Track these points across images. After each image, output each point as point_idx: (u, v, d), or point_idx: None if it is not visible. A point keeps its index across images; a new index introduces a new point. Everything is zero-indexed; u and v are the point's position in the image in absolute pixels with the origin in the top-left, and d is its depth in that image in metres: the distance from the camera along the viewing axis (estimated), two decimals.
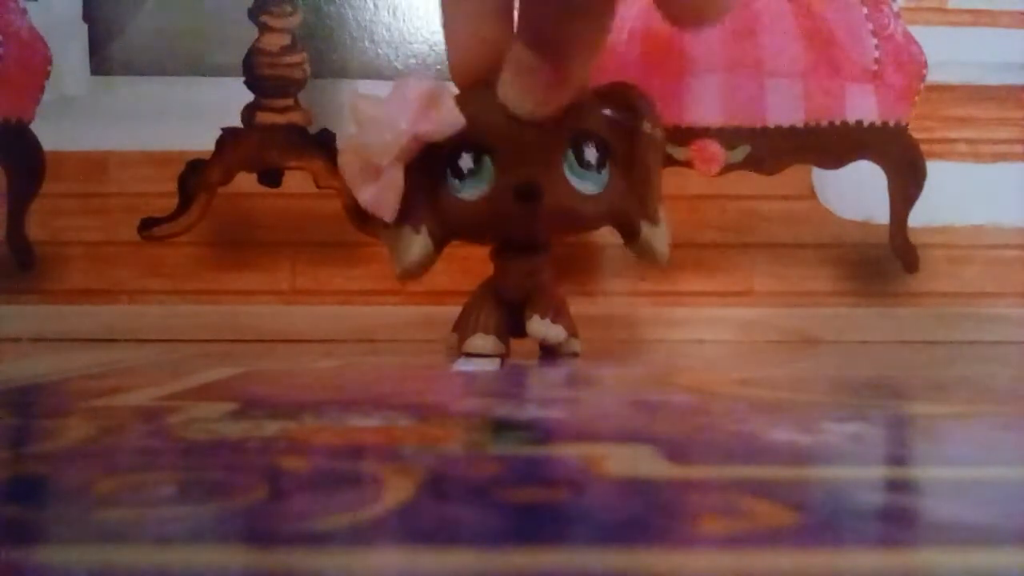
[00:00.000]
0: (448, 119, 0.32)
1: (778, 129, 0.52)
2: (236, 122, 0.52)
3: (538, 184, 0.32)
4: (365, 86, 0.56)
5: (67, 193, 0.56)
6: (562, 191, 0.33)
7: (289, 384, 0.29)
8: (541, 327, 0.36)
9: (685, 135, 0.51)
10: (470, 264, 0.42)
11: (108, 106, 0.57)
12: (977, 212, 0.58)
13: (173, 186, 0.52)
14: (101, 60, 0.57)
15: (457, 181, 0.34)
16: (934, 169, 0.53)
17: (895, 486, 0.15)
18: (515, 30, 0.29)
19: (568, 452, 0.17)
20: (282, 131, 0.52)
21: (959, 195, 0.57)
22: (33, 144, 0.55)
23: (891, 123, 0.52)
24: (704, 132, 0.51)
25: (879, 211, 0.55)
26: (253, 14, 0.51)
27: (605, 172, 0.34)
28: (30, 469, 0.15)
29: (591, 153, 0.33)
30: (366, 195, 0.34)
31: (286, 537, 0.11)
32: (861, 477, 0.15)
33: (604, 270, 0.56)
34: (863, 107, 0.52)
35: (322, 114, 0.53)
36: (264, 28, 0.51)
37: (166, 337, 0.52)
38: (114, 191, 0.57)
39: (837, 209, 0.57)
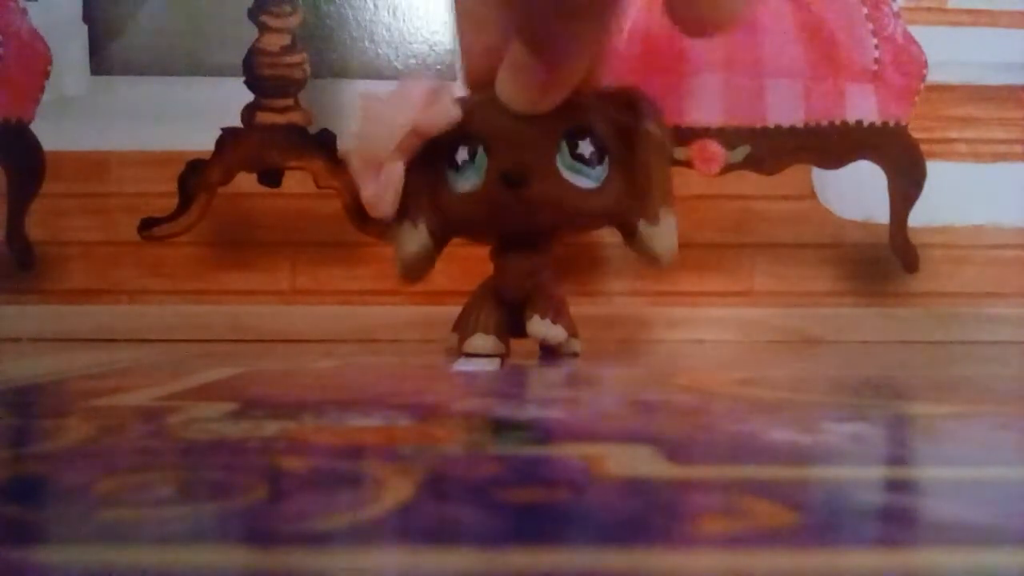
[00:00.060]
0: (444, 112, 0.33)
1: (778, 129, 0.52)
2: (236, 122, 0.52)
3: (525, 170, 0.33)
4: (365, 86, 0.56)
5: (67, 193, 0.56)
6: (552, 181, 0.33)
7: (289, 384, 0.29)
8: (541, 327, 0.36)
9: (685, 135, 0.51)
10: (470, 264, 0.42)
11: (108, 106, 0.57)
12: (977, 212, 0.58)
13: (173, 186, 0.52)
14: (101, 60, 0.57)
15: (454, 172, 0.34)
16: (934, 169, 0.52)
17: (895, 486, 0.15)
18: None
19: (568, 452, 0.17)
20: (282, 131, 0.52)
21: (959, 195, 0.57)
22: (33, 144, 0.55)
23: (891, 123, 0.52)
24: (704, 132, 0.51)
25: (879, 211, 0.55)
26: (253, 14, 0.51)
27: (601, 168, 0.34)
28: (30, 469, 0.15)
29: (585, 147, 0.33)
30: (368, 190, 0.34)
31: (286, 537, 0.11)
32: (861, 477, 0.15)
33: (604, 270, 0.56)
34: (863, 107, 0.52)
35: (322, 114, 0.53)
36: (264, 28, 0.51)
37: (166, 337, 0.52)
38: (114, 191, 0.57)
39: (837, 209, 0.57)
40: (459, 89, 0.35)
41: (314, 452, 0.16)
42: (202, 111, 0.55)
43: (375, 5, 0.57)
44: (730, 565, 0.10)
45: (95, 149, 0.57)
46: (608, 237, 0.37)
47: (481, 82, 0.33)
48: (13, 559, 0.10)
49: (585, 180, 0.34)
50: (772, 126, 0.52)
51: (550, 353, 0.38)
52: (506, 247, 0.37)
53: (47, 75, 0.55)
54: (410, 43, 0.58)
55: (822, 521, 0.12)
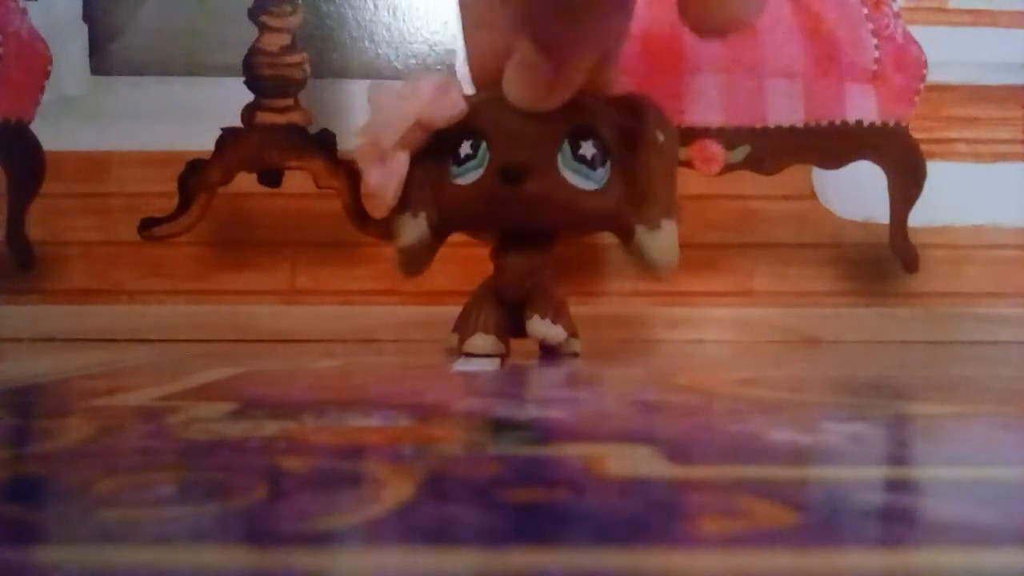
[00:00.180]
0: (450, 104, 0.33)
1: (778, 129, 0.52)
2: (236, 122, 0.52)
3: (523, 166, 0.33)
4: (365, 86, 0.56)
5: (67, 193, 0.56)
6: (550, 179, 0.33)
7: (289, 384, 0.29)
8: (541, 327, 0.36)
9: (685, 135, 0.51)
10: (470, 264, 0.42)
11: (108, 106, 0.57)
12: (977, 212, 0.58)
13: (173, 186, 0.52)
14: (101, 60, 0.57)
15: (456, 167, 0.34)
16: (934, 169, 0.53)
17: (895, 486, 0.15)
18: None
19: (568, 452, 0.17)
20: (282, 131, 0.52)
21: (959, 195, 0.57)
22: (33, 144, 0.55)
23: (891, 123, 0.52)
24: (704, 132, 0.51)
25: (879, 211, 0.55)
26: (253, 14, 0.51)
27: (603, 171, 0.34)
28: (30, 469, 0.15)
29: (587, 148, 0.33)
30: (372, 179, 0.35)
31: (286, 537, 0.11)
32: (861, 477, 0.15)
33: (604, 270, 0.57)
34: (863, 107, 0.52)
35: (322, 114, 0.53)
36: (264, 28, 0.51)
37: (166, 337, 0.52)
38: (114, 191, 0.57)
39: (837, 209, 0.57)
40: (465, 86, 0.35)
41: (314, 452, 0.16)
42: (202, 111, 0.55)
43: (375, 5, 0.57)
44: (730, 565, 0.10)
45: (95, 149, 0.57)
46: (608, 237, 0.36)
47: (485, 81, 0.33)
48: (13, 559, 0.10)
49: (586, 181, 0.34)
50: (772, 126, 0.52)
51: (550, 353, 0.38)
52: (506, 247, 0.37)
53: (47, 75, 0.55)
54: (410, 43, 0.58)
55: (822, 521, 0.12)
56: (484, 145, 0.34)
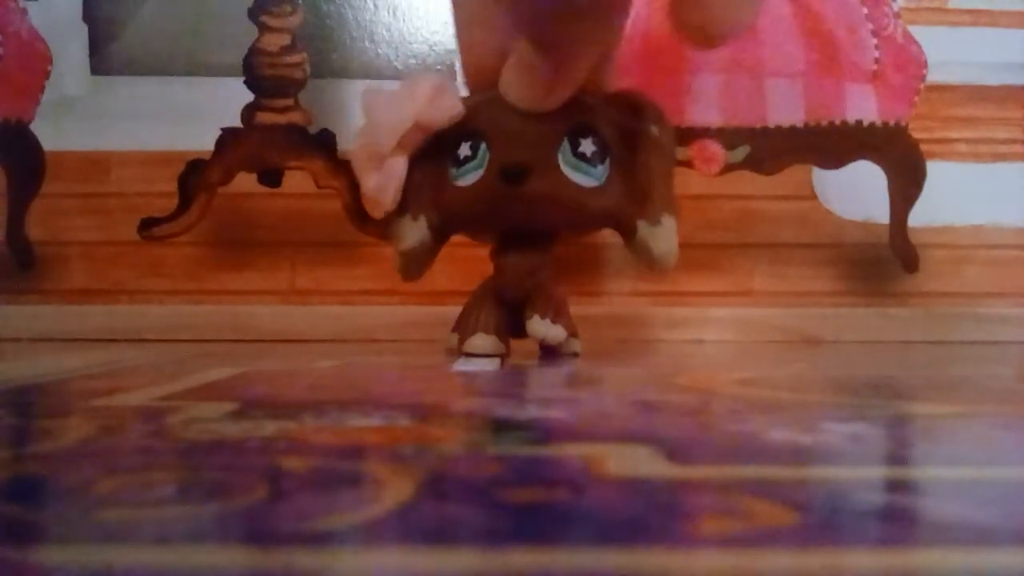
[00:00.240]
0: (448, 106, 0.33)
1: (778, 129, 0.52)
2: (236, 122, 0.52)
3: (525, 165, 0.33)
4: (365, 86, 0.56)
5: (67, 193, 0.56)
6: (552, 177, 0.33)
7: (289, 384, 0.29)
8: (541, 327, 0.36)
9: (685, 135, 0.51)
10: (470, 264, 0.42)
11: (108, 106, 0.57)
12: (977, 212, 0.58)
13: (173, 186, 0.52)
14: (101, 60, 0.57)
15: (456, 169, 0.34)
16: (934, 169, 0.53)
17: (895, 486, 0.15)
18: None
19: (568, 452, 0.17)
20: (282, 131, 0.52)
21: (959, 195, 0.57)
22: (33, 144, 0.55)
23: (891, 123, 0.52)
24: (704, 132, 0.51)
25: (879, 211, 0.55)
26: (253, 14, 0.51)
27: (603, 168, 0.34)
28: (30, 469, 0.15)
29: (587, 145, 0.33)
30: (370, 183, 0.34)
31: (286, 537, 0.11)
32: (861, 477, 0.15)
33: (605, 270, 0.56)
34: (863, 107, 0.52)
35: (322, 114, 0.53)
36: (264, 28, 0.51)
37: (166, 337, 0.52)
38: (114, 191, 0.57)
39: (837, 209, 0.57)
40: (462, 87, 0.35)
41: (314, 452, 0.16)
42: (202, 111, 0.55)
43: (375, 5, 0.57)
44: (730, 565, 0.10)
45: (95, 149, 0.57)
46: (608, 237, 0.36)
47: (481, 81, 0.33)
48: (13, 559, 0.10)
49: (586, 179, 0.34)
50: (772, 126, 0.52)
51: (550, 353, 0.38)
52: (506, 247, 0.37)
53: (47, 75, 0.55)
54: (410, 43, 0.58)
55: (822, 521, 0.12)
56: (484, 146, 0.34)
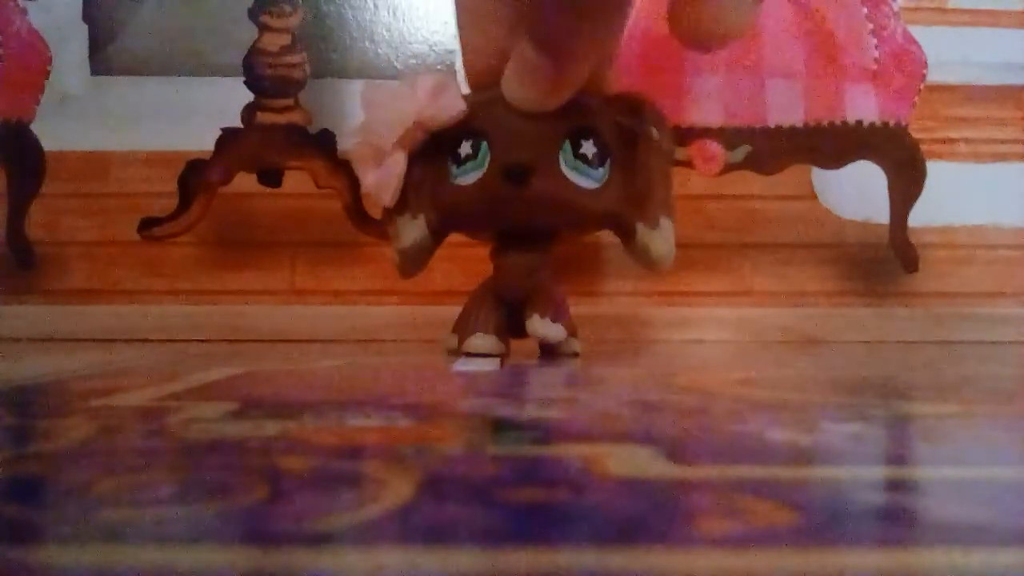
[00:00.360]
0: (450, 105, 0.33)
1: (778, 129, 0.52)
2: (236, 122, 0.52)
3: (527, 166, 0.33)
4: (366, 84, 0.56)
5: (67, 193, 0.56)
6: (553, 178, 0.33)
7: (289, 384, 0.29)
8: (541, 326, 0.36)
9: (685, 135, 0.51)
10: (470, 264, 0.42)
11: (108, 106, 0.57)
12: (977, 212, 0.58)
13: (173, 186, 0.52)
14: (101, 60, 0.57)
15: (456, 168, 0.34)
16: (934, 169, 0.53)
17: (895, 486, 0.15)
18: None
19: (568, 452, 0.17)
20: (282, 131, 0.52)
21: (959, 195, 0.57)
22: (33, 144, 0.55)
23: (891, 123, 0.52)
24: (704, 132, 0.51)
25: (879, 211, 0.55)
26: (253, 14, 0.51)
27: (603, 170, 0.34)
28: (30, 469, 0.15)
29: (588, 147, 0.33)
30: (370, 180, 0.34)
31: (286, 537, 0.11)
32: (861, 477, 0.15)
33: (605, 270, 0.57)
34: (863, 107, 0.52)
35: (322, 114, 0.53)
36: (264, 28, 0.51)
37: (166, 337, 0.52)
38: (114, 191, 0.57)
39: (837, 209, 0.57)
40: (463, 86, 0.35)
41: (314, 452, 0.16)
42: (202, 111, 0.55)
43: (375, 5, 0.57)
44: (730, 565, 0.10)
45: (95, 149, 0.57)
46: (608, 237, 0.36)
47: (482, 81, 0.33)
48: (13, 559, 0.10)
49: (586, 180, 0.34)
50: (772, 126, 0.52)
51: (550, 353, 0.38)
52: (506, 246, 0.37)
53: (47, 75, 0.55)
54: (410, 43, 0.58)
55: (822, 521, 0.12)
56: (484, 145, 0.34)
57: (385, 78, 0.56)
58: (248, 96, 0.51)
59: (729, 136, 0.52)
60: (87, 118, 0.57)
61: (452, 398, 0.25)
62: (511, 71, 0.30)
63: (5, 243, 0.55)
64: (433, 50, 0.57)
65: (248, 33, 0.51)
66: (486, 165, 0.34)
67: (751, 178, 0.53)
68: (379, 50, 0.57)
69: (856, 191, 0.56)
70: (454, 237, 0.37)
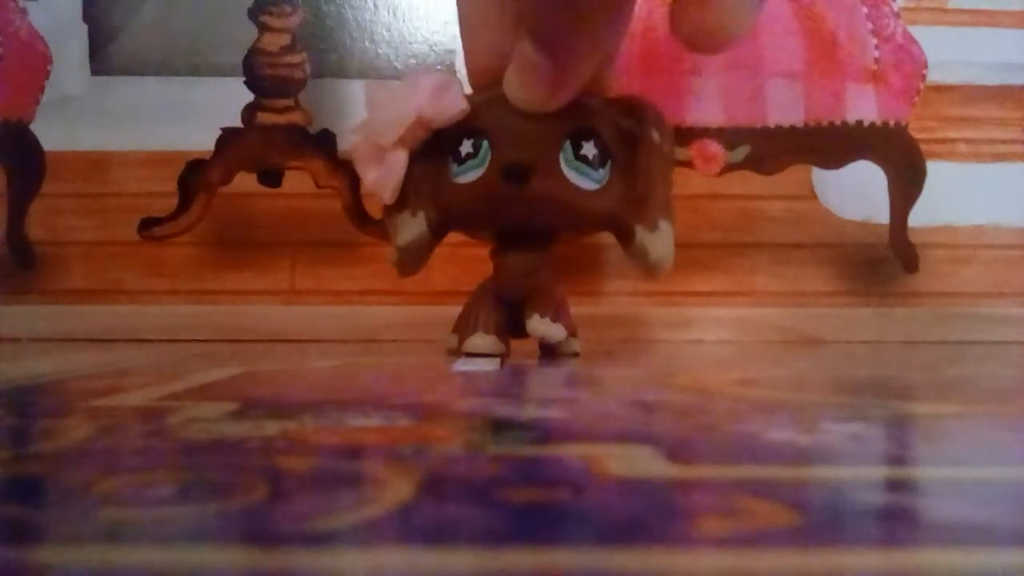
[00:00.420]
0: (452, 104, 0.33)
1: (778, 129, 0.52)
2: (236, 122, 0.52)
3: (527, 165, 0.33)
4: (367, 83, 0.56)
5: (67, 193, 0.56)
6: (554, 179, 0.33)
7: (289, 384, 0.29)
8: (541, 326, 0.36)
9: (685, 135, 0.51)
10: (470, 264, 0.42)
11: (108, 106, 0.57)
12: (977, 212, 0.58)
13: (173, 186, 0.52)
14: (101, 60, 0.57)
15: (456, 166, 0.34)
16: (934, 169, 0.53)
17: (895, 486, 0.15)
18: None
19: (568, 452, 0.17)
20: (282, 131, 0.52)
21: (959, 195, 0.57)
22: (33, 144, 0.55)
23: (891, 123, 0.52)
24: (704, 132, 0.51)
25: (879, 211, 0.55)
26: (253, 14, 0.51)
27: (604, 171, 0.34)
28: (30, 469, 0.15)
29: (589, 148, 0.33)
30: (370, 177, 0.34)
31: (286, 537, 0.11)
32: (861, 477, 0.15)
33: (605, 270, 0.57)
34: (863, 107, 0.52)
35: (322, 114, 0.53)
36: (264, 28, 0.51)
37: (166, 337, 0.52)
38: (114, 191, 0.57)
39: (837, 209, 0.57)
40: (464, 85, 0.35)
41: (314, 452, 0.16)
42: (202, 111, 0.55)
43: (375, 5, 0.57)
44: (730, 565, 0.10)
45: (95, 149, 0.57)
46: (608, 237, 0.36)
47: (483, 80, 0.33)
48: (13, 559, 0.10)
49: (587, 181, 0.34)
50: (772, 126, 0.52)
51: (550, 353, 0.38)
52: (505, 246, 0.37)
53: (47, 75, 0.55)
54: (410, 43, 0.58)
55: (822, 521, 0.12)
56: (485, 144, 0.34)
57: (385, 78, 0.56)
58: (248, 96, 0.51)
59: (729, 136, 0.52)
60: (87, 118, 0.57)
61: (452, 398, 0.25)
62: (512, 71, 0.30)
63: (5, 243, 0.55)
64: (433, 50, 0.57)
65: (248, 33, 0.51)
66: (487, 164, 0.34)
67: (751, 178, 0.53)
68: (379, 50, 0.57)
69: (856, 191, 0.56)
70: (454, 237, 0.37)
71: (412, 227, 0.35)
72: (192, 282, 0.56)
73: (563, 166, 0.33)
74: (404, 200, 0.35)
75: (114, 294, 0.56)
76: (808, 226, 0.57)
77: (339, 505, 0.13)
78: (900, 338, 0.54)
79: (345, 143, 0.52)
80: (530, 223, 0.35)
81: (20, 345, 0.50)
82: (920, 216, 0.53)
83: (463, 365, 0.34)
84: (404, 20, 0.58)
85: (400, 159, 0.34)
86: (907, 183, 0.53)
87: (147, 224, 0.52)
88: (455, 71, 0.56)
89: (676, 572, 0.10)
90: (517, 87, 0.31)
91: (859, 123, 0.52)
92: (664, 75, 0.51)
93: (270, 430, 0.19)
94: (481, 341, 0.36)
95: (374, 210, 0.50)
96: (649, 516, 0.12)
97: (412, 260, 0.36)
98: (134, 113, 0.57)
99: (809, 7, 0.52)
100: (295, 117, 0.52)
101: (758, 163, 0.52)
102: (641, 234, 0.35)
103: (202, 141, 0.52)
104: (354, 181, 0.51)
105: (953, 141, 0.58)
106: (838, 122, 0.52)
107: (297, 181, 0.53)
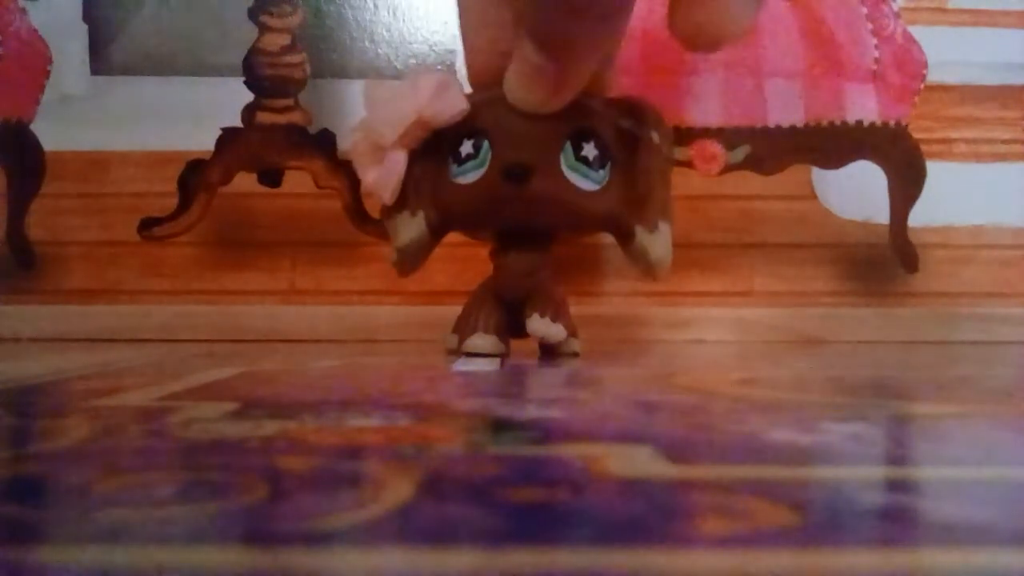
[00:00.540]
0: (453, 103, 0.33)
1: (778, 129, 0.52)
2: (236, 122, 0.52)
3: (527, 166, 0.33)
4: (367, 82, 0.56)
5: (67, 193, 0.56)
6: (554, 179, 0.33)
7: (289, 384, 0.29)
8: (541, 325, 0.36)
9: (685, 135, 0.51)
10: (470, 264, 0.42)
11: (108, 106, 0.57)
12: (977, 212, 0.58)
13: (173, 186, 0.52)
14: (101, 60, 0.57)
15: (456, 166, 0.34)
16: (934, 169, 0.53)
17: (895, 486, 0.15)
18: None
19: (568, 452, 0.17)
20: (282, 131, 0.52)
21: (959, 195, 0.57)
22: (33, 144, 0.55)
23: (891, 123, 0.52)
24: (704, 132, 0.51)
25: (879, 211, 0.55)
26: (253, 14, 0.51)
27: (604, 172, 0.34)
28: (30, 469, 0.15)
29: (590, 149, 0.33)
30: (369, 177, 0.34)
31: (286, 537, 0.11)
32: (861, 477, 0.15)
33: (604, 270, 0.57)
34: (863, 107, 0.52)
35: (322, 114, 0.53)
36: (264, 28, 0.51)
37: (166, 337, 0.52)
38: (114, 191, 0.57)
39: (837, 209, 0.57)
40: (464, 85, 0.35)
41: (314, 452, 0.16)
42: (202, 111, 0.55)
43: (375, 5, 0.57)
44: (730, 565, 0.10)
45: (95, 149, 0.57)
46: (608, 237, 0.36)
47: (484, 80, 0.33)
48: (13, 559, 0.10)
49: (587, 182, 0.34)
50: (772, 126, 0.52)
51: (550, 353, 0.38)
52: (505, 246, 0.37)
53: (47, 75, 0.55)
54: (410, 43, 0.58)
55: (822, 521, 0.12)
56: (486, 144, 0.34)
57: (385, 78, 0.56)
58: (248, 96, 0.51)
59: (729, 136, 0.52)
60: (87, 118, 0.57)
61: (452, 398, 0.25)
62: (512, 72, 0.30)
63: (5, 243, 0.55)
64: (433, 50, 0.57)
65: (248, 33, 0.51)
66: (487, 164, 0.34)
67: (751, 178, 0.53)
68: (379, 50, 0.57)
69: (856, 191, 0.56)
70: (454, 237, 0.37)
71: (411, 227, 0.35)
72: (192, 282, 0.56)
73: (563, 166, 0.33)
74: (404, 200, 0.35)
75: (114, 294, 0.56)
76: (808, 226, 0.57)
77: (339, 505, 0.13)
78: (900, 338, 0.54)
79: (345, 143, 0.52)
80: (530, 223, 0.35)
81: (20, 345, 0.50)
82: (920, 216, 0.53)
83: (463, 365, 0.34)
84: (404, 20, 0.58)
85: (400, 159, 0.34)
86: (907, 183, 0.53)
87: (147, 224, 0.52)
88: (455, 71, 0.56)
89: (676, 572, 0.10)
90: (517, 87, 0.31)
91: (859, 123, 0.52)
92: (664, 75, 0.51)
93: (270, 430, 0.19)
94: (481, 341, 0.36)
95: (374, 210, 0.50)
96: (649, 516, 0.12)
97: (411, 260, 0.36)
98: (134, 113, 0.57)
99: (809, 7, 0.52)
100: (295, 117, 0.52)
101: (758, 163, 0.52)
102: (640, 235, 0.35)
103: (202, 141, 0.52)
104: (354, 181, 0.51)
105: (953, 141, 0.58)
106: (838, 122, 0.52)
107: (297, 181, 0.53)
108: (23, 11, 0.55)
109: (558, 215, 0.35)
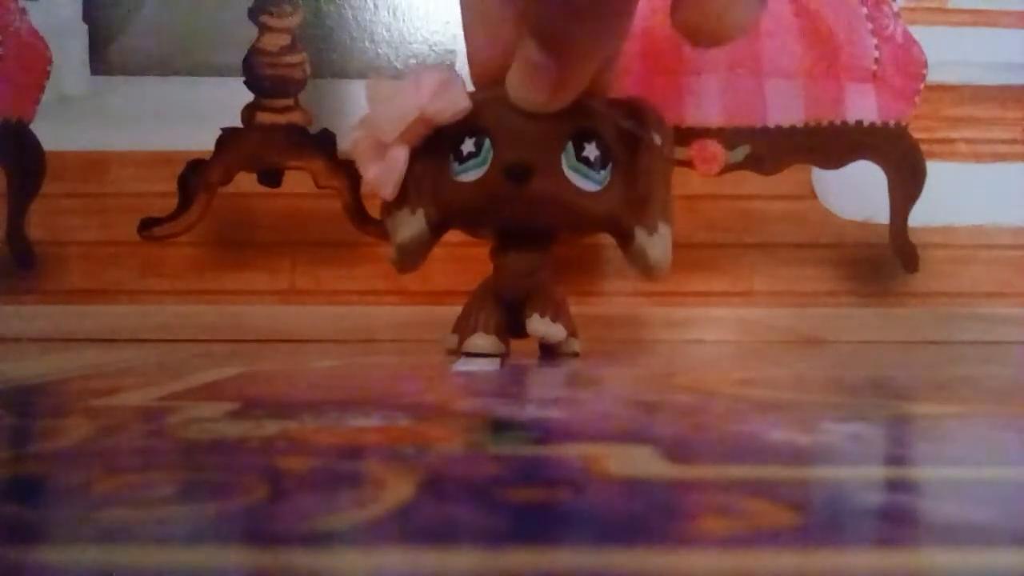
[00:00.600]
0: (455, 101, 0.33)
1: (778, 129, 0.52)
2: (236, 122, 0.52)
3: (528, 165, 0.33)
4: (370, 77, 0.56)
5: (67, 193, 0.56)
6: (555, 179, 0.33)
7: (289, 384, 0.29)
8: (541, 325, 0.36)
9: (685, 135, 0.51)
10: (470, 264, 0.42)
11: (108, 106, 0.57)
12: (977, 212, 0.58)
13: (173, 186, 0.52)
14: (101, 60, 0.57)
15: (457, 164, 0.34)
16: (934, 169, 0.53)
17: (895, 486, 0.15)
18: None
19: (568, 452, 0.17)
20: (282, 131, 0.52)
21: (959, 195, 0.57)
22: (33, 144, 0.55)
23: (891, 123, 0.52)
24: (704, 132, 0.51)
25: (879, 211, 0.55)
26: (253, 14, 0.51)
27: (605, 173, 0.34)
28: (30, 469, 0.15)
29: (591, 150, 0.33)
30: (370, 173, 0.34)
31: (286, 537, 0.11)
32: (861, 477, 0.15)
33: (604, 270, 0.57)
34: (863, 107, 0.52)
35: (322, 114, 0.53)
36: (264, 28, 0.51)
37: (166, 337, 0.52)
38: (114, 191, 0.57)
39: (837, 209, 0.57)
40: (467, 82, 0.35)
41: (314, 452, 0.16)
42: (202, 111, 0.55)
43: (375, 5, 0.57)
44: (730, 565, 0.10)
45: (95, 149, 0.57)
46: (608, 238, 0.36)
47: (487, 79, 0.33)
48: (13, 559, 0.10)
49: (588, 183, 0.34)
50: (772, 126, 0.52)
51: (550, 353, 0.38)
52: (505, 246, 0.37)
53: (47, 75, 0.55)
54: (410, 43, 0.58)
55: (822, 521, 0.12)
56: (487, 143, 0.34)
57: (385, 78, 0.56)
58: (248, 96, 0.51)
59: (729, 136, 0.52)
60: (87, 118, 0.57)
61: (452, 398, 0.25)
62: (514, 71, 0.30)
63: (5, 243, 0.55)
64: (433, 50, 0.57)
65: (248, 33, 0.51)
66: (488, 163, 0.34)
67: (751, 178, 0.53)
68: (379, 50, 0.57)
69: (856, 191, 0.56)
70: (454, 237, 0.37)
71: (411, 224, 0.35)
72: (192, 282, 0.56)
73: (564, 167, 0.33)
74: (404, 197, 0.35)
75: (114, 294, 0.56)
76: (808, 226, 0.57)
77: (339, 505, 0.13)
78: (900, 338, 0.54)
79: (345, 143, 0.52)
80: (530, 223, 0.35)
81: (20, 345, 0.50)
82: (920, 216, 0.53)
83: (463, 365, 0.34)
84: (404, 20, 0.58)
85: (401, 155, 0.34)
86: (907, 183, 0.53)
87: (147, 224, 0.52)
88: (455, 71, 0.56)
89: (676, 572, 0.10)
90: (519, 87, 0.31)
91: (859, 123, 0.52)
92: (664, 75, 0.51)
93: (270, 430, 0.19)
94: (481, 341, 0.36)
95: (374, 210, 0.50)
96: (649, 516, 0.12)
97: (411, 257, 0.36)
98: (134, 113, 0.57)
99: (809, 7, 0.52)
100: (295, 117, 0.52)
101: (758, 163, 0.52)
102: (640, 236, 0.35)
103: (202, 141, 0.52)
104: (354, 181, 0.51)
105: (953, 141, 0.58)
106: (838, 122, 0.52)
107: (297, 181, 0.53)
108: (23, 11, 0.55)
109: (558, 215, 0.35)
